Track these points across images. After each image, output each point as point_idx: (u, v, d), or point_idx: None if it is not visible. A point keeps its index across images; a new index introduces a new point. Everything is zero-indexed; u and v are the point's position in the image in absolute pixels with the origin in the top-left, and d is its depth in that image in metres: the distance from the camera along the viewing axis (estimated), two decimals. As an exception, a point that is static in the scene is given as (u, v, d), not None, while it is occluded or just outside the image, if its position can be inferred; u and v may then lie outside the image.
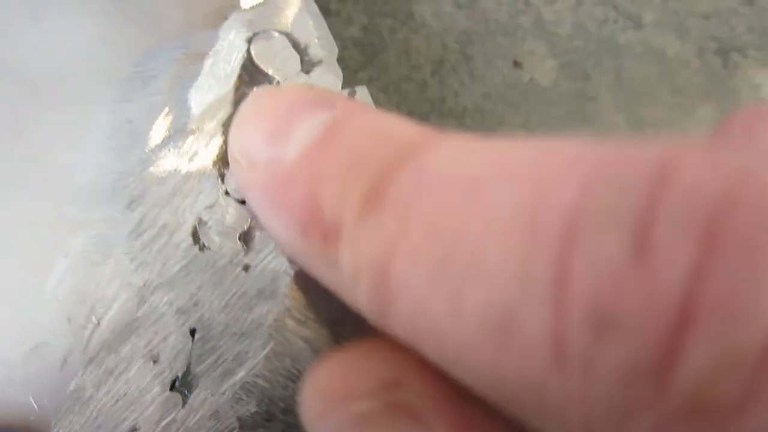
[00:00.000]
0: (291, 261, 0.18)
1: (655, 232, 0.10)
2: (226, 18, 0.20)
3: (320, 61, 0.20)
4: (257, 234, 0.18)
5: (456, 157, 0.13)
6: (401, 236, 0.12)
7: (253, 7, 0.20)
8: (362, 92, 0.20)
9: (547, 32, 0.27)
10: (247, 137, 0.16)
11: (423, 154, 0.13)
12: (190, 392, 0.17)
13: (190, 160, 0.19)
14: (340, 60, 0.20)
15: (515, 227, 0.11)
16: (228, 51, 0.20)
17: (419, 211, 0.12)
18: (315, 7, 0.21)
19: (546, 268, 0.10)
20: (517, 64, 0.26)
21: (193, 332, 0.18)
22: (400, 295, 0.12)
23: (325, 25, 0.20)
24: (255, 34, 0.20)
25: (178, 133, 0.19)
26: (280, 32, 0.20)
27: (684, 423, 0.09)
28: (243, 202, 0.19)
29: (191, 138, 0.19)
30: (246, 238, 0.18)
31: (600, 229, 0.10)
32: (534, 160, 0.12)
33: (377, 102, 0.20)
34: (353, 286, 0.13)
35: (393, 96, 0.25)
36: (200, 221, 0.18)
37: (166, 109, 0.19)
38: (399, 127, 0.15)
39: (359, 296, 0.13)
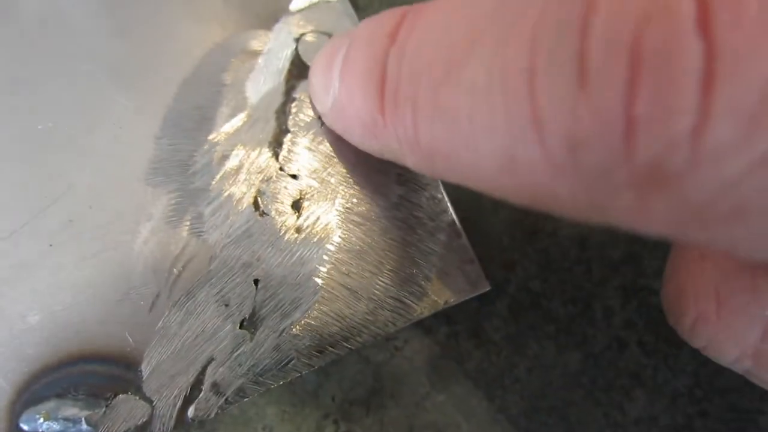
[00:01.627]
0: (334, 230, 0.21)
1: (590, 60, 0.11)
2: (277, 20, 0.23)
3: (357, 58, 0.23)
4: (306, 203, 0.22)
5: (427, 37, 0.15)
6: (417, 119, 0.15)
7: (300, 10, 0.23)
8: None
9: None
10: (316, 99, 0.21)
11: (401, 42, 0.16)
12: (255, 330, 0.21)
13: (249, 141, 0.22)
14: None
15: (493, 93, 0.13)
16: (279, 48, 0.23)
17: (421, 94, 0.15)
18: (352, 11, 0.23)
19: (524, 117, 0.12)
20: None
21: (256, 282, 0.21)
22: (435, 157, 0.16)
23: (361, 26, 0.23)
24: (302, 34, 0.23)
25: (238, 118, 0.22)
26: (324, 33, 0.23)
27: (651, 191, 0.11)
28: (295, 177, 0.22)
29: (249, 123, 0.22)
30: (297, 206, 0.22)
31: (551, 70, 0.12)
32: (491, 20, 0.13)
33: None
34: (404, 157, 0.17)
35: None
36: (259, 192, 0.22)
37: (228, 98, 0.22)
38: (377, 24, 0.17)
39: (411, 164, 0.17)
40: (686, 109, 0.10)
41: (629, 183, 0.12)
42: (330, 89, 0.19)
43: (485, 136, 0.13)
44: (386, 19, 0.17)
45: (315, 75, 0.21)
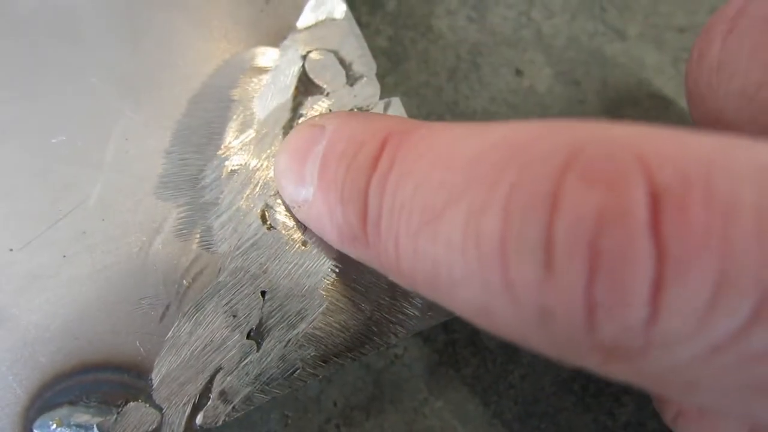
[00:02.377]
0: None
1: (555, 250, 0.12)
2: (284, 38, 0.24)
3: (362, 76, 0.23)
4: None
5: (409, 180, 0.15)
6: (397, 257, 0.16)
7: (307, 28, 0.24)
8: (396, 102, 0.23)
9: (545, 44, 0.30)
10: (285, 191, 0.20)
11: (392, 165, 0.16)
12: (262, 340, 0.21)
13: (257, 156, 0.22)
14: (372, 70, 0.24)
15: (468, 253, 0.13)
16: (286, 65, 0.23)
17: (402, 238, 0.15)
18: (358, 30, 0.24)
19: (497, 280, 0.13)
20: (518, 72, 0.29)
21: (263, 294, 0.21)
22: (416, 285, 0.16)
23: (366, 44, 0.24)
24: (309, 52, 0.23)
25: (246, 134, 0.23)
26: (330, 50, 0.23)
27: (613, 361, 0.12)
28: (301, 191, 0.22)
29: (257, 138, 0.23)
30: (303, 219, 0.22)
31: (520, 248, 0.12)
32: (467, 181, 0.14)
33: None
34: (385, 273, 0.18)
35: (414, 99, 0.28)
36: (267, 206, 0.22)
37: (237, 114, 0.23)
38: (359, 137, 0.17)
39: (392, 278, 0.17)
40: (638, 304, 0.11)
41: (594, 351, 0.13)
42: (303, 187, 0.19)
43: (463, 286, 0.14)
44: (365, 132, 0.17)
45: (285, 170, 0.20)
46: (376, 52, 0.29)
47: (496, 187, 0.13)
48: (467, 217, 0.13)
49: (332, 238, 0.19)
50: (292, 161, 0.19)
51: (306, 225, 0.21)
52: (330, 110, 0.23)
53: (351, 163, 0.17)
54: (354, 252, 0.18)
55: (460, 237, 0.13)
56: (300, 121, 0.23)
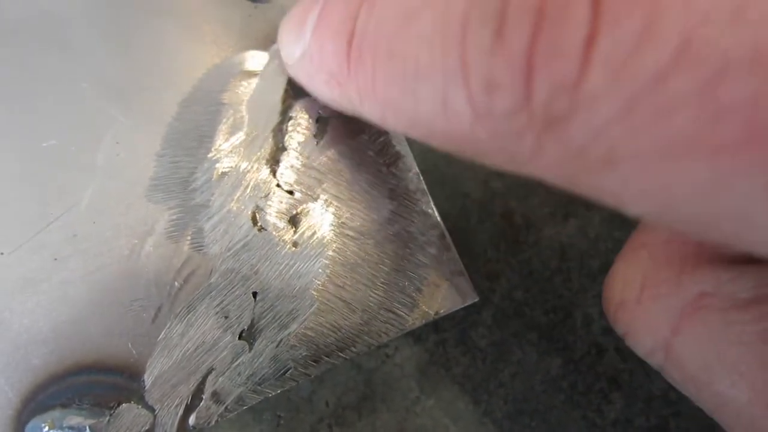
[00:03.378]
0: (328, 243, 0.22)
1: (507, 15, 0.13)
2: (273, 41, 0.23)
3: (351, 79, 0.24)
4: (302, 218, 0.22)
5: None
6: (375, 68, 0.16)
7: (295, 33, 0.24)
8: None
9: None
10: (284, 48, 0.21)
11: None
12: (254, 341, 0.21)
13: (247, 159, 0.22)
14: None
15: (435, 40, 0.14)
16: (276, 69, 0.23)
17: (379, 47, 0.16)
18: (345, 33, 0.24)
19: (455, 61, 0.14)
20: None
21: (255, 294, 0.21)
22: (386, 105, 0.17)
23: (354, 48, 0.24)
24: (298, 56, 0.24)
25: (236, 136, 0.23)
26: (318, 54, 0.24)
27: (545, 134, 0.13)
28: (291, 193, 0.22)
29: (247, 141, 0.23)
30: (294, 221, 0.22)
31: (479, 21, 0.13)
32: None
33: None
34: (362, 106, 0.18)
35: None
36: (257, 207, 0.22)
37: (227, 117, 0.23)
38: None
39: (366, 112, 0.18)
40: (571, 58, 0.12)
41: (529, 126, 0.13)
42: (300, 41, 0.20)
43: (425, 80, 0.15)
44: None
45: (286, 27, 0.21)
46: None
47: None
48: (442, 5, 0.14)
49: (320, 79, 0.19)
50: (294, 18, 0.20)
51: (298, 80, 0.22)
52: (320, 113, 0.23)
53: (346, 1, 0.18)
54: (336, 92, 0.19)
55: (431, 27, 0.14)
56: (289, 123, 0.23)
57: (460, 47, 0.14)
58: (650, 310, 0.19)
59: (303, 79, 0.21)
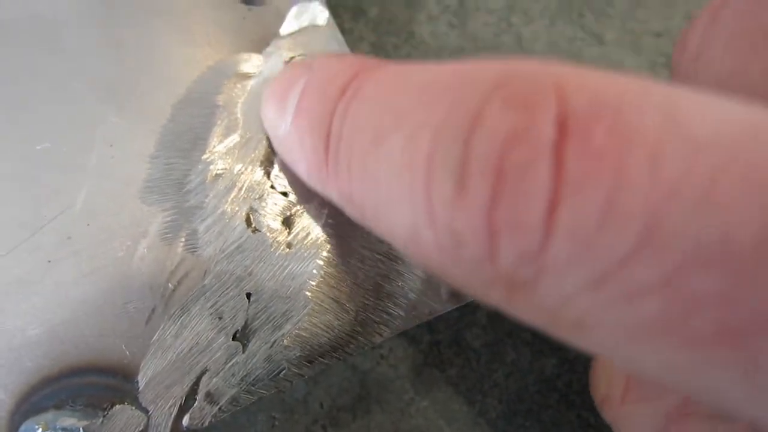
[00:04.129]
0: (321, 246, 0.22)
1: (469, 170, 0.12)
2: (268, 44, 0.24)
3: (344, 81, 0.24)
4: (296, 220, 0.22)
5: (367, 108, 0.16)
6: (350, 179, 0.16)
7: (290, 35, 0.24)
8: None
9: (525, 49, 0.30)
10: (268, 122, 0.21)
11: (347, 102, 0.16)
12: (248, 341, 0.21)
13: (242, 160, 0.22)
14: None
15: (404, 172, 0.14)
16: (270, 71, 0.23)
17: (353, 159, 0.16)
18: (340, 35, 0.24)
19: (422, 202, 0.13)
20: (499, 76, 0.30)
21: (249, 295, 0.21)
22: (365, 214, 0.16)
23: (348, 50, 0.24)
24: (292, 57, 0.23)
25: (230, 138, 0.23)
26: (313, 56, 0.24)
27: (513, 291, 0.13)
28: (285, 194, 0.22)
29: (241, 143, 0.23)
30: (288, 222, 0.22)
31: (442, 170, 0.13)
32: (414, 106, 0.14)
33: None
34: (342, 207, 0.18)
35: (397, 103, 0.28)
36: (251, 209, 0.22)
37: (221, 119, 0.23)
38: (336, 72, 0.18)
39: (347, 213, 0.18)
40: (533, 226, 0.11)
41: (496, 280, 0.13)
42: (282, 121, 0.19)
43: (397, 207, 0.14)
44: (342, 67, 0.18)
45: (269, 99, 0.21)
46: (359, 58, 0.29)
47: (434, 109, 0.13)
48: (407, 136, 0.14)
49: (302, 169, 0.19)
50: (277, 92, 0.20)
51: (282, 157, 0.21)
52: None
53: (324, 93, 0.17)
54: (319, 184, 0.19)
55: (399, 156, 0.14)
56: (284, 125, 0.23)
57: (425, 189, 0.13)
58: (634, 412, 0.19)
59: (285, 158, 0.21)
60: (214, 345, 0.21)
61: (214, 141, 0.22)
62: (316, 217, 0.22)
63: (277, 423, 0.24)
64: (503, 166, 0.12)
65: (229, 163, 0.22)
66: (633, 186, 0.10)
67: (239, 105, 0.23)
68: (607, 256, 0.11)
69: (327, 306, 0.21)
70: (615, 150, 0.11)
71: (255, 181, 0.22)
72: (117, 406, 0.20)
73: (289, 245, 0.22)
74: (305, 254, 0.22)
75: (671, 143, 0.10)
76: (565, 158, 0.11)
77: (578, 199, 0.11)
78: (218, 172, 0.22)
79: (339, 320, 0.21)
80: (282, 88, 0.20)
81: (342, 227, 0.22)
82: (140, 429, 0.20)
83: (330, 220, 0.22)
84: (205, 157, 0.22)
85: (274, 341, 0.21)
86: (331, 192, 0.18)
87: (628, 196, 0.10)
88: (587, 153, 0.11)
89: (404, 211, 0.14)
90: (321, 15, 0.24)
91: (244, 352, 0.21)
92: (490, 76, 0.13)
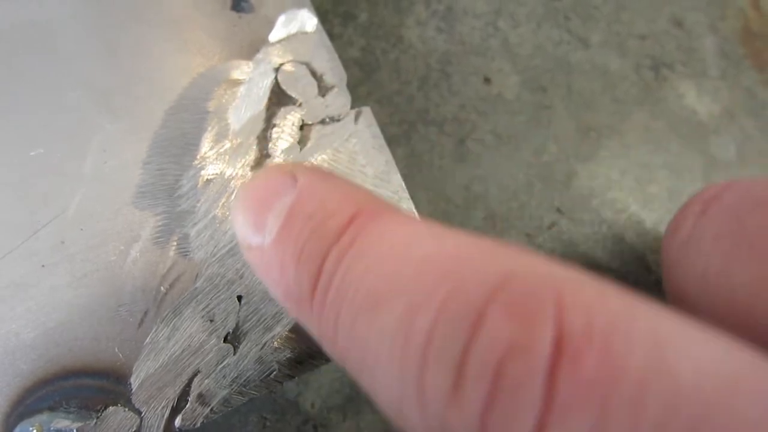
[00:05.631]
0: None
1: (466, 372, 0.12)
2: (257, 51, 0.24)
3: (333, 87, 0.24)
4: (286, 223, 0.23)
5: (366, 264, 0.15)
6: (338, 323, 0.16)
7: (279, 41, 0.24)
8: (367, 112, 0.24)
9: (512, 53, 0.31)
10: (239, 228, 0.19)
11: (353, 243, 0.16)
12: (239, 343, 0.21)
13: (233, 165, 0.23)
14: (344, 80, 0.24)
15: (395, 348, 0.14)
16: (259, 78, 0.24)
17: (343, 312, 0.15)
18: (328, 42, 0.24)
19: (413, 384, 0.13)
20: (487, 80, 0.30)
21: (239, 298, 0.22)
22: (346, 363, 0.16)
23: (337, 56, 0.24)
24: (281, 64, 0.24)
25: (221, 144, 0.23)
26: (301, 62, 0.24)
27: None
28: (275, 198, 0.23)
29: (232, 148, 0.23)
30: (278, 226, 0.23)
31: (438, 363, 0.13)
32: (412, 281, 0.14)
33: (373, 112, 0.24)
34: (320, 342, 0.17)
35: (386, 107, 0.29)
36: (242, 213, 0.22)
37: (212, 125, 0.23)
38: (331, 205, 0.17)
39: (325, 350, 0.17)
40: None
41: None
42: (260, 232, 0.18)
43: (384, 377, 0.14)
44: (337, 204, 0.17)
45: (244, 207, 0.19)
46: (348, 62, 0.29)
47: (434, 293, 0.14)
48: (403, 311, 0.14)
49: (276, 291, 0.18)
50: (254, 203, 0.18)
51: (252, 266, 0.19)
52: (303, 120, 0.23)
53: (317, 229, 0.17)
54: (294, 310, 0.18)
55: (392, 328, 0.14)
56: (273, 131, 0.23)
57: (419, 373, 0.13)
58: None
59: (256, 270, 0.19)
60: (205, 347, 0.21)
61: (205, 146, 0.23)
62: (306, 221, 0.22)
63: (268, 423, 0.25)
64: (500, 374, 0.12)
65: (220, 168, 0.23)
66: (616, 422, 0.11)
67: (230, 111, 0.23)
68: None
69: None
70: (603, 383, 0.11)
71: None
72: (110, 407, 0.21)
73: (279, 248, 0.22)
74: (295, 257, 0.22)
75: (655, 384, 0.11)
76: (557, 380, 0.12)
77: (565, 423, 0.11)
78: (209, 177, 0.23)
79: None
80: (259, 198, 0.18)
81: (331, 231, 0.23)
82: (133, 430, 0.21)
83: (319, 224, 0.22)
84: (196, 162, 0.23)
85: (265, 343, 0.21)
86: (311, 327, 0.17)
87: (611, 430, 0.11)
88: (577, 380, 0.11)
89: (392, 383, 0.14)
90: (309, 22, 0.24)
91: (235, 353, 0.21)
92: (494, 272, 0.13)
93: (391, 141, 0.28)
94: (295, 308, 0.18)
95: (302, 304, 0.17)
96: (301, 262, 0.17)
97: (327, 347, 0.17)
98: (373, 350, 0.14)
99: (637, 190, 0.30)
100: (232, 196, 0.22)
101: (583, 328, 0.12)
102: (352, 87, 0.25)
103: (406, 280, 0.14)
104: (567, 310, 0.12)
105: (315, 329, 0.17)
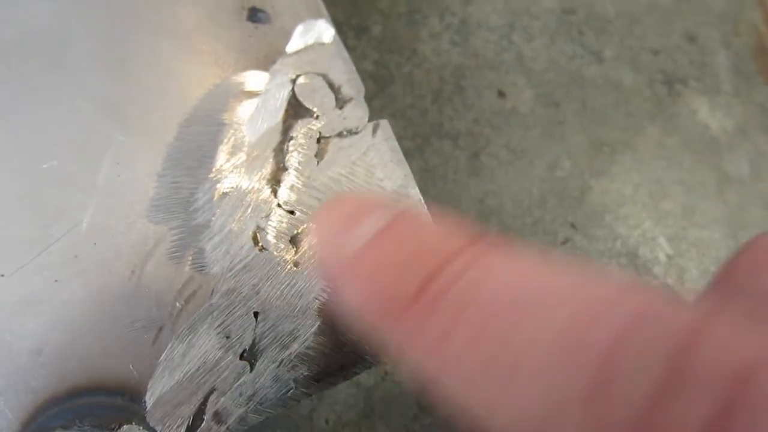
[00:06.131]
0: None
1: (674, 392, 0.11)
2: (274, 62, 0.24)
3: (351, 99, 0.24)
4: (303, 238, 0.22)
5: (505, 274, 0.14)
6: (450, 335, 0.14)
7: (296, 53, 0.24)
8: (384, 124, 0.23)
9: (526, 67, 0.31)
10: (325, 226, 0.18)
11: (474, 263, 0.15)
12: (255, 361, 0.21)
13: (248, 178, 0.22)
14: (360, 92, 0.24)
15: (555, 353, 0.12)
16: (276, 89, 0.23)
17: (469, 317, 0.14)
18: (345, 53, 0.24)
19: (579, 397, 0.12)
20: (501, 94, 0.30)
21: (256, 314, 0.21)
22: (441, 375, 0.15)
23: (354, 68, 0.24)
24: (298, 76, 0.23)
25: (237, 156, 0.23)
26: (319, 74, 0.24)
27: None
28: (292, 213, 0.22)
29: (248, 161, 0.23)
30: (295, 241, 0.22)
31: (628, 377, 0.12)
32: (577, 291, 0.13)
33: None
34: (402, 356, 0.16)
35: (400, 121, 0.28)
36: (258, 228, 0.22)
37: (228, 137, 0.23)
38: (445, 231, 0.16)
39: (407, 365, 0.16)
40: None
41: None
42: (348, 236, 0.17)
43: (520, 384, 0.13)
44: (443, 228, 0.17)
45: (338, 204, 0.18)
46: (362, 75, 0.29)
47: (619, 302, 0.13)
48: (572, 318, 0.13)
49: (357, 292, 0.17)
50: (351, 206, 0.18)
51: (323, 266, 0.19)
52: (320, 133, 0.23)
53: (427, 242, 0.16)
54: (372, 318, 0.16)
55: (554, 335, 0.13)
56: (290, 143, 0.23)
57: (602, 373, 0.12)
58: None
59: (329, 272, 0.18)
60: (221, 364, 0.21)
61: (221, 159, 0.22)
62: (324, 236, 0.22)
63: (282, 441, 0.24)
64: (737, 393, 0.11)
65: (236, 182, 0.22)
66: None
67: (246, 123, 0.23)
68: None
69: (334, 325, 0.21)
70: None
71: (262, 200, 0.22)
72: (125, 426, 0.20)
73: (296, 264, 0.22)
74: (313, 273, 0.22)
75: None
76: None
77: None
78: (225, 190, 0.22)
79: (346, 339, 0.21)
80: (355, 206, 0.18)
81: (349, 246, 0.22)
82: (147, 449, 0.20)
83: (337, 239, 0.22)
84: (212, 175, 0.22)
85: (282, 360, 0.21)
86: (394, 336, 0.16)
87: None
88: None
89: (543, 391, 0.13)
90: (327, 33, 0.24)
91: (251, 371, 0.21)
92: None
93: (405, 155, 0.28)
94: (375, 315, 0.16)
95: (391, 311, 0.16)
96: (406, 267, 0.16)
97: (416, 357, 0.15)
98: (514, 352, 0.13)
99: (651, 205, 0.30)
100: (248, 210, 0.22)
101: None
102: (366, 100, 0.24)
103: (566, 291, 0.13)
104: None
105: (401, 338, 0.16)
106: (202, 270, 0.21)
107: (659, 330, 0.12)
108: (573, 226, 0.29)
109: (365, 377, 0.25)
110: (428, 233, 0.16)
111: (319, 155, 0.23)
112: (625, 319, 0.12)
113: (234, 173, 0.22)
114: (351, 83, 0.24)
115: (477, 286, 0.14)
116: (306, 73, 0.24)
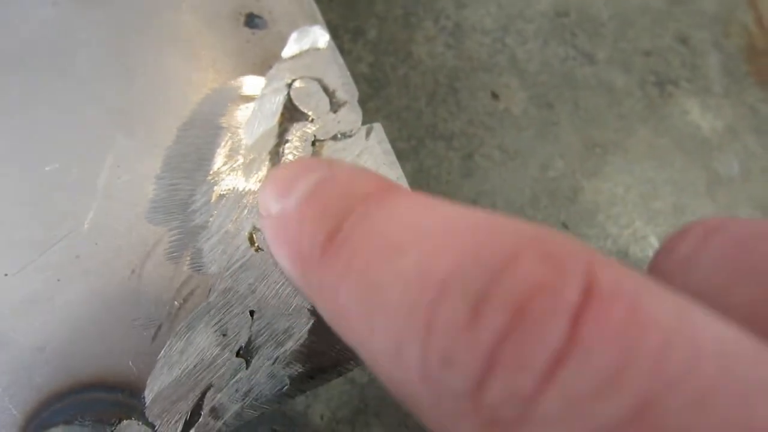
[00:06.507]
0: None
1: (486, 306, 0.13)
2: (270, 67, 0.24)
3: (345, 103, 0.24)
4: (298, 238, 0.23)
5: (389, 219, 0.16)
6: (345, 275, 0.16)
7: (292, 58, 0.24)
8: (377, 128, 0.24)
9: (519, 69, 0.31)
10: (264, 195, 0.19)
11: (376, 207, 0.16)
12: (251, 358, 0.22)
13: (245, 180, 0.23)
14: (354, 96, 0.25)
15: (411, 284, 0.14)
16: (272, 94, 0.24)
17: (357, 259, 0.16)
18: (340, 58, 0.25)
19: (422, 315, 0.13)
20: (494, 95, 0.30)
21: (252, 313, 0.22)
22: (341, 317, 0.16)
23: (348, 72, 0.25)
24: (293, 80, 0.24)
25: (234, 159, 0.23)
26: (314, 78, 0.24)
27: (482, 428, 0.13)
28: (287, 214, 0.23)
29: (245, 164, 0.23)
30: (290, 241, 0.23)
31: (456, 296, 0.13)
32: (435, 232, 0.15)
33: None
34: (314, 298, 0.18)
35: (395, 123, 0.29)
36: (255, 228, 0.23)
37: (225, 140, 0.23)
38: (362, 181, 0.18)
39: (318, 308, 0.18)
40: (535, 371, 0.12)
41: (472, 416, 0.13)
42: (281, 201, 0.19)
43: (387, 317, 0.14)
44: (369, 176, 0.18)
45: (273, 180, 0.20)
46: (357, 78, 0.29)
47: (463, 239, 0.14)
48: (427, 253, 0.14)
49: (285, 251, 0.18)
50: (283, 176, 0.19)
51: (264, 234, 0.20)
52: (315, 136, 0.24)
53: (345, 192, 0.17)
54: (297, 274, 0.18)
55: (411, 268, 0.14)
56: (286, 146, 0.23)
57: (431, 305, 0.13)
58: None
59: (269, 238, 0.20)
60: (218, 361, 0.21)
61: (218, 162, 0.23)
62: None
63: (278, 435, 0.25)
64: (525, 307, 0.12)
65: (233, 184, 0.23)
66: (639, 368, 0.11)
67: (243, 126, 0.23)
68: (593, 422, 0.11)
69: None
70: (631, 330, 0.12)
71: (258, 201, 0.23)
72: (124, 421, 0.21)
73: (291, 264, 0.22)
74: (307, 272, 0.22)
75: (681, 342, 0.12)
76: (583, 320, 0.12)
77: (585, 361, 0.12)
78: (222, 192, 0.23)
79: (340, 337, 0.22)
80: (290, 174, 0.19)
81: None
82: (147, 443, 0.21)
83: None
84: (209, 177, 0.23)
85: (277, 357, 0.22)
86: (311, 283, 0.17)
87: (633, 375, 0.11)
88: (605, 323, 0.12)
89: (395, 324, 0.14)
90: (322, 38, 0.25)
91: (247, 368, 0.21)
92: (527, 229, 0.14)
93: (400, 156, 0.28)
94: (300, 270, 0.18)
95: (310, 263, 0.17)
96: (321, 217, 0.17)
97: (323, 304, 0.17)
98: (382, 292, 0.14)
99: (642, 205, 0.30)
100: (245, 211, 0.23)
101: (613, 285, 0.12)
102: (361, 102, 0.25)
103: (435, 229, 0.15)
104: (598, 267, 0.13)
105: (316, 287, 0.17)
106: (199, 270, 0.22)
107: (484, 262, 0.13)
108: (565, 225, 0.29)
109: (359, 374, 0.26)
110: (346, 185, 0.17)
111: (315, 157, 0.24)
112: (462, 253, 0.13)
113: (231, 175, 0.23)
114: (345, 88, 0.24)
115: (373, 224, 0.16)
116: (301, 78, 0.24)
